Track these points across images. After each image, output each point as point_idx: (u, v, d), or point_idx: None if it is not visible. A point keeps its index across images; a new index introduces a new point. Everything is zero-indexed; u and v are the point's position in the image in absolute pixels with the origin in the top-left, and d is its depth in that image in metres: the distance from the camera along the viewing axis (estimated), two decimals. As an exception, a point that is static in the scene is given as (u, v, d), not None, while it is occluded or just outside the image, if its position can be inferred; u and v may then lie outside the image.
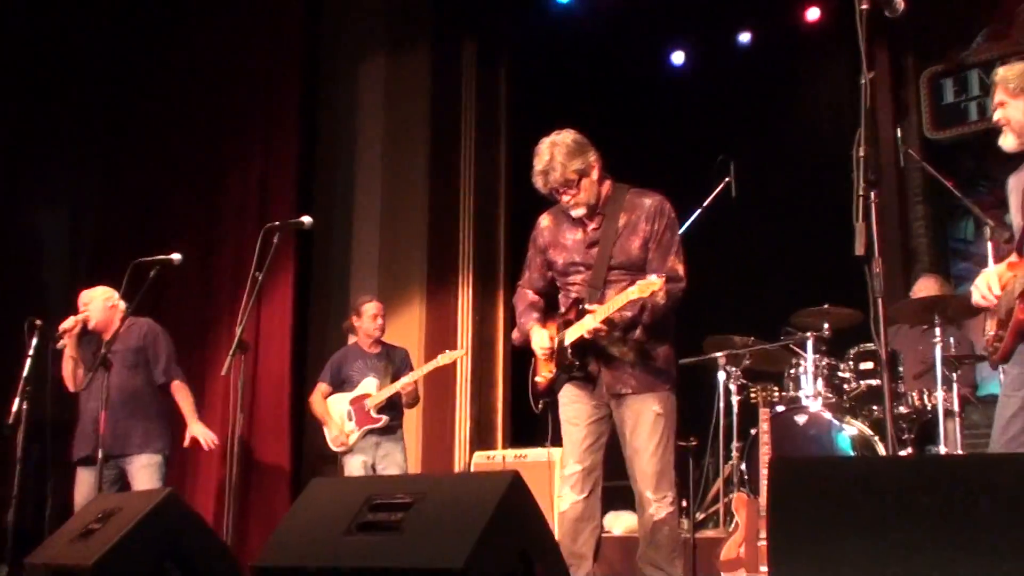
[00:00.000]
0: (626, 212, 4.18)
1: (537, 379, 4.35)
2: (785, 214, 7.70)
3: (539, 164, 4.16)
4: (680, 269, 4.11)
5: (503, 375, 8.56)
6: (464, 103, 8.59)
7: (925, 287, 6.21)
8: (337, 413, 6.43)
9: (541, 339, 4.25)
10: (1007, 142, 3.72)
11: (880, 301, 3.02)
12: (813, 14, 8.50)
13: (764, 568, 4.86)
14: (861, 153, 3.09)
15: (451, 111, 8.55)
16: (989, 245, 5.13)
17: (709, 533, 5.85)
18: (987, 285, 3.53)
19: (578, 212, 4.20)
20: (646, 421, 4.09)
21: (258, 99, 8.17)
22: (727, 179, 6.22)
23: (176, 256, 5.40)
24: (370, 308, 6.60)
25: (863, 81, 3.13)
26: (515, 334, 4.48)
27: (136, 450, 5.74)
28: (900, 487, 2.09)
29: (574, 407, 4.23)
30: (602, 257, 4.16)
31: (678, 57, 9.08)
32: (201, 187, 8.23)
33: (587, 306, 4.08)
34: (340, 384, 6.52)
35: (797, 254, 7.56)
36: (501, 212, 8.70)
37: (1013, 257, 3.62)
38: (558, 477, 6.09)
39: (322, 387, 6.59)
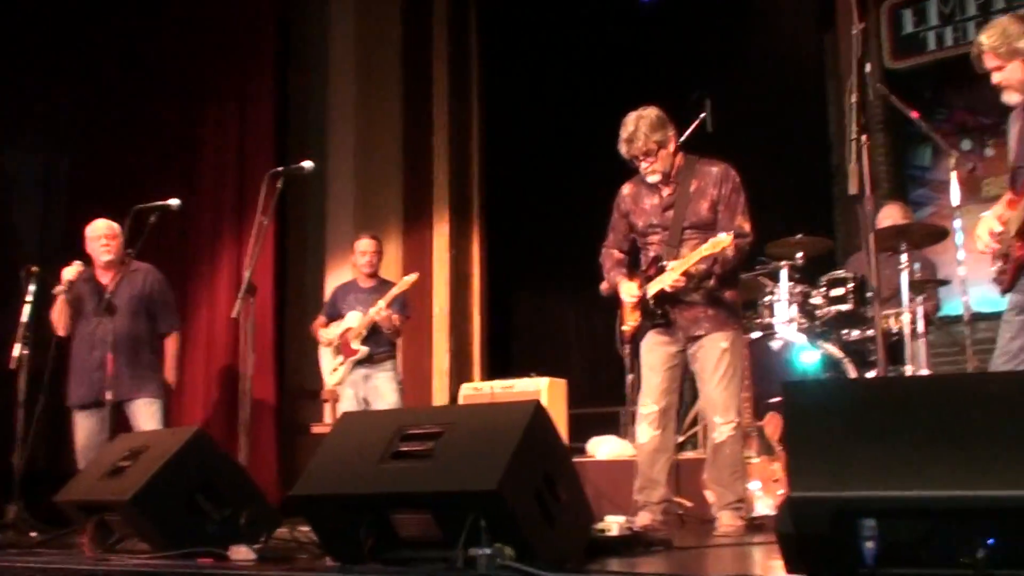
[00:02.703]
0: (696, 179, 4.80)
1: (623, 327, 4.99)
2: (759, 147, 7.92)
3: (624, 133, 4.77)
4: (746, 226, 4.76)
5: (479, 308, 8.85)
6: (436, 40, 8.76)
7: (890, 215, 6.51)
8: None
9: (630, 289, 4.89)
10: (1012, 99, 4.09)
11: (872, 237, 3.29)
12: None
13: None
14: (853, 99, 3.35)
15: (423, 48, 8.74)
16: (953, 175, 5.40)
17: (689, 455, 6.17)
18: (987, 233, 3.97)
19: (654, 178, 4.81)
20: (713, 355, 4.73)
21: (236, 38, 8.25)
22: (703, 114, 6.46)
23: (174, 201, 5.59)
24: (359, 245, 6.86)
25: (854, 32, 3.39)
26: (603, 286, 5.09)
27: (139, 394, 5.97)
28: (902, 403, 2.39)
29: (654, 354, 4.86)
30: (677, 219, 4.77)
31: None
32: (179, 127, 8.32)
33: (666, 263, 4.71)
34: (335, 317, 6.78)
35: (772, 186, 7.84)
36: (475, 148, 8.92)
37: (1009, 195, 4.02)
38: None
39: (320, 319, 6.90)
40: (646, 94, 8.15)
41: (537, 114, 9.13)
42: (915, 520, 2.28)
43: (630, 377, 6.59)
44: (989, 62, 4.07)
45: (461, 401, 7.09)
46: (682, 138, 6.36)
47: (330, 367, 6.69)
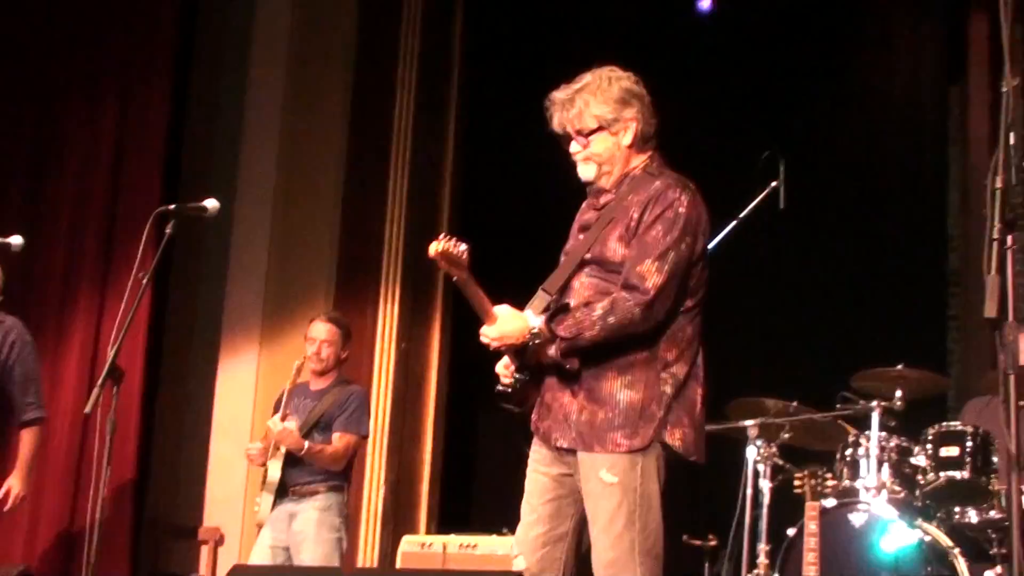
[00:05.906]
0: (636, 193, 4.23)
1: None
2: (850, 237, 7.89)
3: (560, 92, 4.28)
4: (651, 279, 4.05)
5: (433, 427, 8.74)
6: (403, 48, 8.76)
7: (1036, 347, 6.50)
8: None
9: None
10: None
11: (1012, 379, 3.20)
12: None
13: None
14: (998, 184, 3.28)
15: (383, 59, 8.74)
16: None
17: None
18: None
19: (586, 172, 4.29)
20: (595, 493, 4.10)
21: (121, 17, 8.29)
22: (774, 183, 6.36)
23: (16, 240, 5.76)
24: (311, 330, 6.68)
25: (1004, 89, 3.36)
26: None
27: None
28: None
29: (531, 478, 4.30)
30: (580, 247, 4.27)
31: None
32: (29, 133, 8.27)
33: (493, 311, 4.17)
34: None
35: (862, 293, 7.76)
36: (445, 200, 8.89)
37: None
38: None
39: None
40: (696, 149, 8.24)
41: (536, 158, 9.06)
42: None
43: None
44: None
45: (400, 561, 6.97)
46: (742, 214, 6.36)
47: (258, 495, 6.43)
